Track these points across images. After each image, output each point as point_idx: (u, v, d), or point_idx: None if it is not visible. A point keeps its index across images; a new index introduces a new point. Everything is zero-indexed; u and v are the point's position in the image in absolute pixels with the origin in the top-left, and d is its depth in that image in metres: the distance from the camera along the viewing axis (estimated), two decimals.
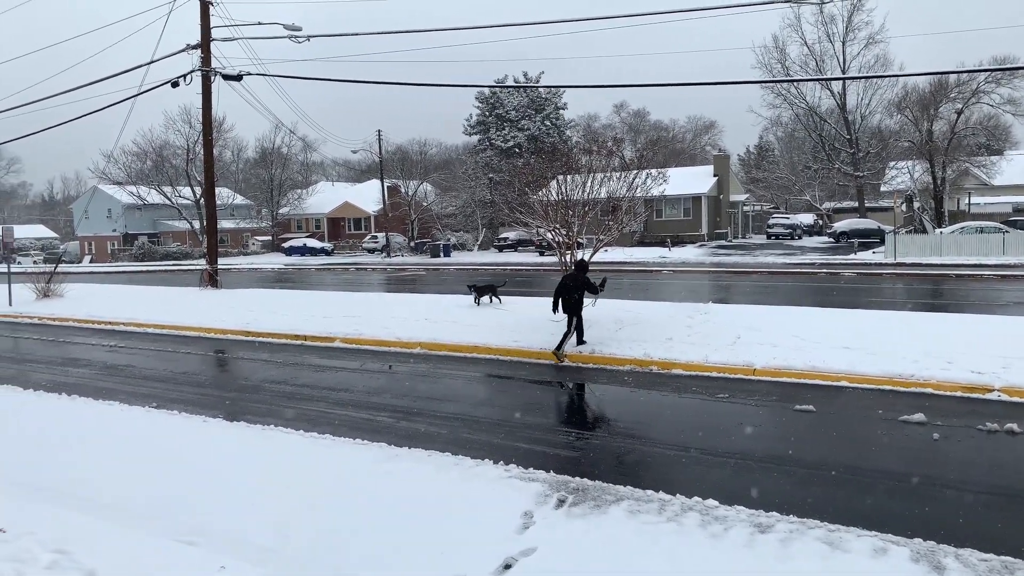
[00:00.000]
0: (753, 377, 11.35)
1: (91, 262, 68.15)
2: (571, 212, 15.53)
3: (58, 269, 27.42)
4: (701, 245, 49.95)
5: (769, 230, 55.94)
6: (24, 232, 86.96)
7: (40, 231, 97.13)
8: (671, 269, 33.22)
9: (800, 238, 54.36)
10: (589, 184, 15.52)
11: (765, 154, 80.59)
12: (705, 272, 32.13)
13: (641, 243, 50.35)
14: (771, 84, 52.22)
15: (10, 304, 24.21)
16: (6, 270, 26.35)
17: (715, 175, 55.77)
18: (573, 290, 13.22)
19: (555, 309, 13.37)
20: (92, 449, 8.67)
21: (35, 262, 57.59)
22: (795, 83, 51.56)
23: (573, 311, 13.27)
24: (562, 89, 65.72)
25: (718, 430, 8.92)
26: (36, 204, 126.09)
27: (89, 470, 7.97)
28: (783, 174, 64.04)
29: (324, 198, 72.44)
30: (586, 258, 15.97)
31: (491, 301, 18.30)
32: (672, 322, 14.90)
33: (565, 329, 13.29)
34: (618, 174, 16.13)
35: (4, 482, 7.65)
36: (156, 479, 7.63)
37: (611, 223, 16.17)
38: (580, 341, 13.52)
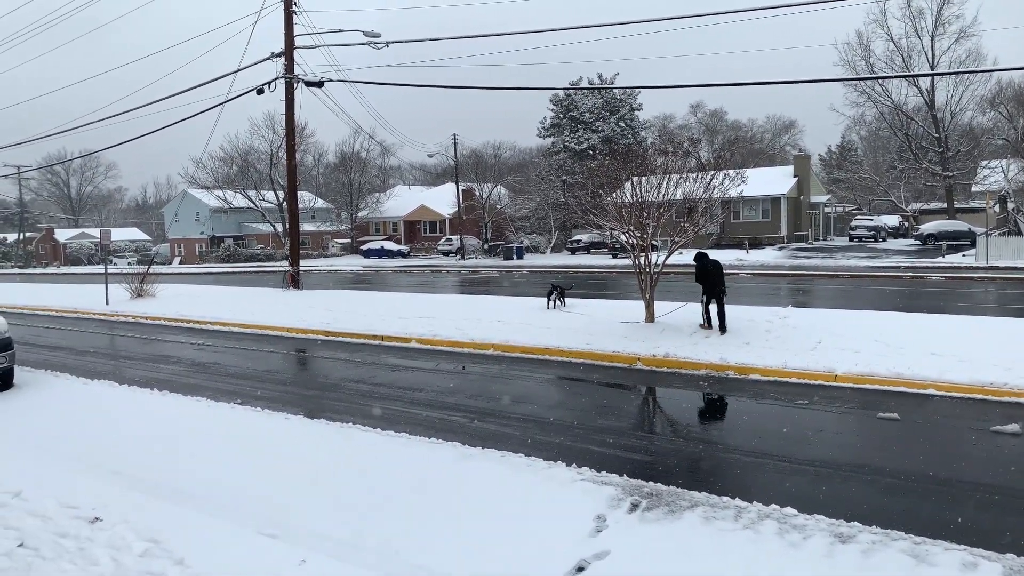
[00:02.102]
0: (834, 383, 11.01)
1: (180, 263, 71.09)
2: (645, 214, 15.36)
3: (150, 270, 28.70)
4: (780, 247, 48.73)
5: (851, 232, 54.11)
6: (119, 235, 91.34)
7: (134, 233, 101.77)
8: (749, 272, 32.53)
9: (884, 240, 52.43)
10: (664, 185, 15.32)
11: (848, 154, 78.14)
12: (784, 275, 31.35)
13: (718, 245, 49.44)
14: (855, 82, 50.59)
15: (107, 303, 25.48)
16: (104, 271, 27.76)
17: (795, 176, 54.33)
18: (716, 275, 14.71)
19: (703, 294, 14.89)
20: (181, 443, 9.05)
21: (129, 263, 60.37)
22: (880, 80, 49.81)
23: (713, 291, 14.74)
24: (637, 90, 65.23)
25: (797, 437, 8.70)
26: (131, 208, 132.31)
27: (178, 463, 8.31)
28: (866, 174, 61.91)
29: (401, 202, 73.71)
30: (660, 260, 15.85)
31: (557, 303, 18.39)
32: (750, 326, 14.60)
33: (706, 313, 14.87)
34: (694, 175, 15.88)
35: (102, 471, 8.05)
36: (240, 473, 7.91)
37: (687, 225, 15.92)
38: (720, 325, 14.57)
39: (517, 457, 7.83)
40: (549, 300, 18.58)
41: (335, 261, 61.07)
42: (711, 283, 14.69)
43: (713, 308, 14.73)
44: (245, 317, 20.42)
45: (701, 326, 14.77)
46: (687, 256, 16.69)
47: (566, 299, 18.73)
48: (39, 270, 72.98)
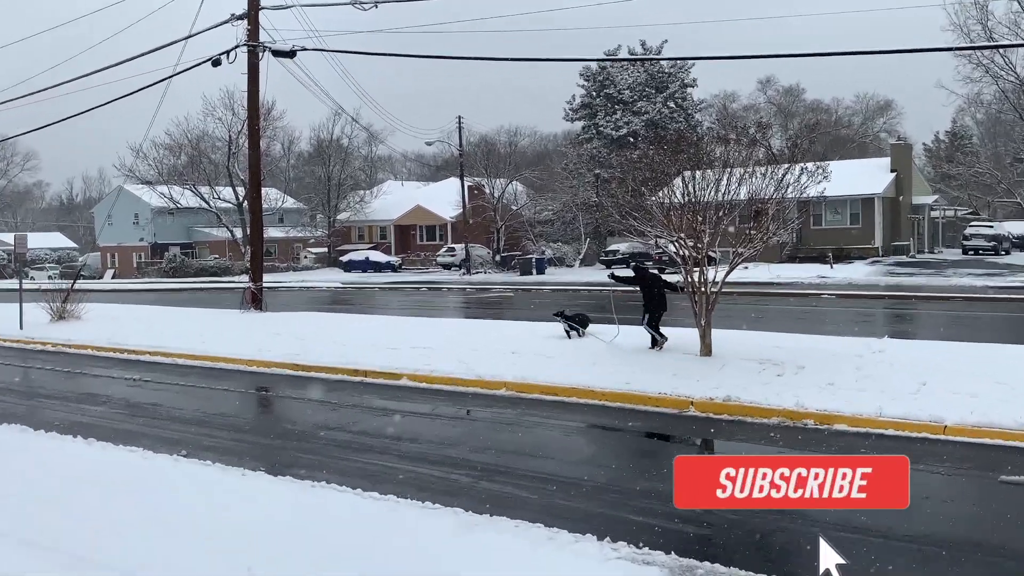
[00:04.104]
0: (943, 437, 10.90)
1: (114, 277, 71.75)
2: (700, 218, 15.34)
3: (76, 286, 28.91)
4: (874, 261, 48.53)
5: (965, 243, 53.89)
6: (39, 241, 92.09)
7: (57, 240, 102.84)
8: (833, 292, 32.34)
9: (1008, 253, 52.14)
10: (725, 182, 15.31)
11: (960, 143, 77.83)
12: (879, 297, 31.19)
13: (793, 258, 49.30)
14: (968, 52, 50.42)
15: (20, 327, 25.62)
16: (17, 287, 27.96)
17: (892, 170, 54.21)
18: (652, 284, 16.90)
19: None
20: (109, 505, 9.04)
21: (50, 277, 60.84)
22: (1002, 49, 49.63)
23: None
24: (690, 62, 65.34)
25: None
26: (53, 208, 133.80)
27: (102, 531, 8.30)
28: (985, 169, 61.61)
29: (391, 201, 74.16)
30: (719, 277, 15.80)
31: (574, 334, 18.15)
32: (835, 362, 14.49)
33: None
34: (763, 169, 15.85)
35: (9, 540, 8.04)
36: (181, 544, 7.88)
37: (753, 232, 15.88)
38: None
39: (535, 528, 7.78)
40: (567, 328, 18.29)
41: (308, 276, 61.44)
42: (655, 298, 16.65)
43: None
44: (194, 346, 20.51)
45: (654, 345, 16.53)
46: (753, 271, 16.64)
47: (590, 325, 18.44)
48: None
